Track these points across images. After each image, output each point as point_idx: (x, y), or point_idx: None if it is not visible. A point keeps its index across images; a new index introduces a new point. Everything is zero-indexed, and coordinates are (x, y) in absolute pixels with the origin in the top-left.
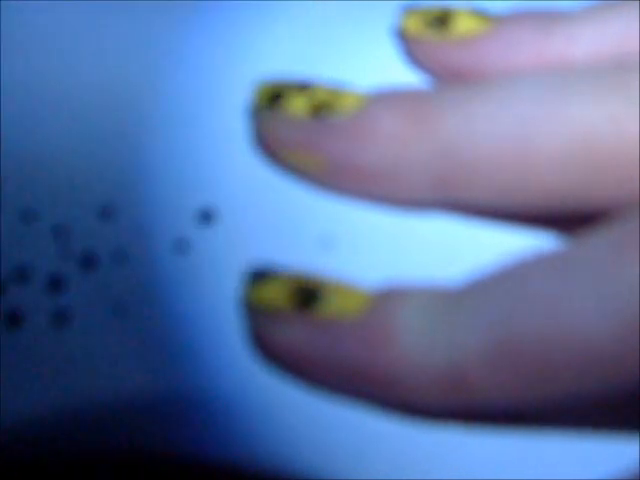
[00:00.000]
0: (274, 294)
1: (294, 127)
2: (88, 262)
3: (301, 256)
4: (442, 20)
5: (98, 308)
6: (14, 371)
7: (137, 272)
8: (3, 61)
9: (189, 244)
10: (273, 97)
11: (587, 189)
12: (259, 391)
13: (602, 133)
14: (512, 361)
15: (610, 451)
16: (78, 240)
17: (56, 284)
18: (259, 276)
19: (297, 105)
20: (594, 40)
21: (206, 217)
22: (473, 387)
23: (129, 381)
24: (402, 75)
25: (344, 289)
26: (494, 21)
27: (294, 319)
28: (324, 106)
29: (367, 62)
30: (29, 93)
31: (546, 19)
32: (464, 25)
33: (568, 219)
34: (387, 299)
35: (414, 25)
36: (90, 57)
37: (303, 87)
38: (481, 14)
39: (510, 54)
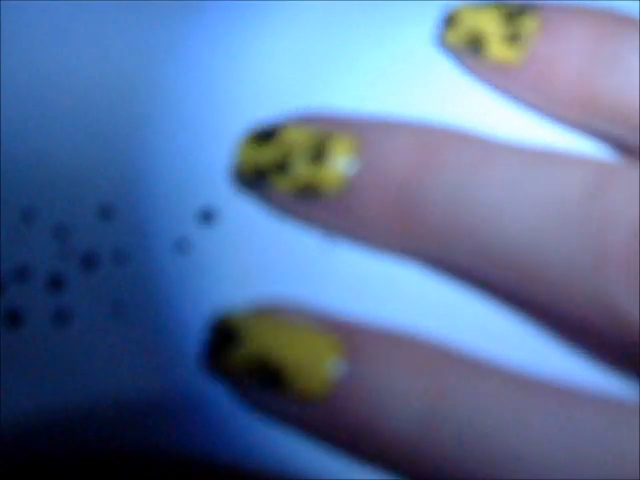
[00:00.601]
0: (236, 368)
1: (286, 206)
2: (88, 261)
3: (302, 255)
4: (477, 44)
5: (99, 307)
6: (14, 371)
7: (138, 271)
8: (3, 61)
9: (190, 244)
10: (257, 173)
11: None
12: None
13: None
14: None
15: None
16: (78, 239)
17: (56, 283)
18: (221, 340)
19: (281, 186)
20: (633, 74)
21: (207, 217)
22: None
23: (129, 381)
24: (402, 75)
25: (306, 368)
26: (531, 46)
27: (260, 392)
28: (308, 188)
29: (367, 62)
30: (29, 93)
31: (590, 45)
32: (497, 52)
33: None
34: (357, 365)
35: (454, 41)
36: (89, 57)
37: (283, 164)
38: (515, 42)
39: (542, 86)
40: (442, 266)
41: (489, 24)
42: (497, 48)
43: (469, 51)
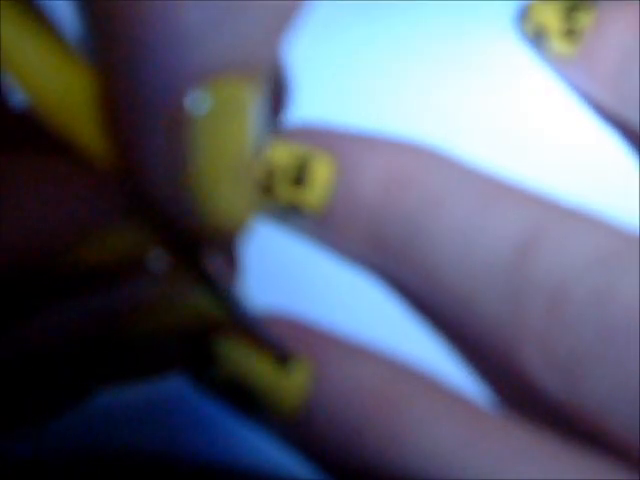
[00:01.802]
0: (215, 387)
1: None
2: None
3: (302, 254)
4: (541, 37)
5: None
6: None
7: None
8: None
9: None
10: None
11: None
12: None
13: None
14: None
15: None
16: None
17: None
18: (198, 364)
19: (266, 206)
20: None
21: None
22: None
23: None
24: (402, 74)
25: (278, 388)
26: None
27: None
28: (290, 209)
29: (368, 61)
30: None
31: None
32: (557, 46)
33: None
34: (324, 392)
35: (527, 32)
36: None
37: (266, 188)
38: (572, 34)
39: (592, 76)
40: (400, 288)
41: (551, 19)
42: (556, 43)
43: (535, 43)
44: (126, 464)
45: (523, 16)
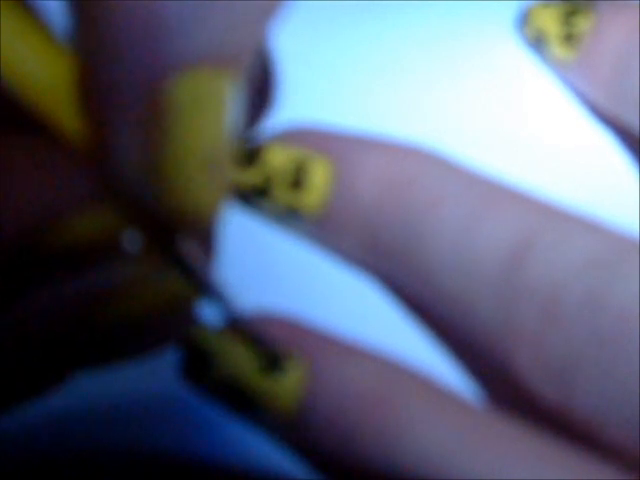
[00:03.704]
0: (208, 390)
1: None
2: None
3: (299, 255)
4: (541, 42)
5: None
6: None
7: None
8: None
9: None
10: (240, 196)
11: None
12: None
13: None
14: None
15: None
16: None
17: None
18: (191, 367)
19: (264, 209)
20: None
21: None
22: None
23: (130, 380)
24: (400, 75)
25: (271, 388)
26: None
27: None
28: (289, 211)
29: (366, 62)
30: None
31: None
32: (556, 52)
33: None
34: (315, 397)
35: (528, 36)
36: None
37: (264, 191)
38: (571, 39)
39: (590, 80)
40: (396, 290)
41: (550, 24)
42: (556, 47)
43: (535, 47)
44: (126, 464)
45: (523, 20)
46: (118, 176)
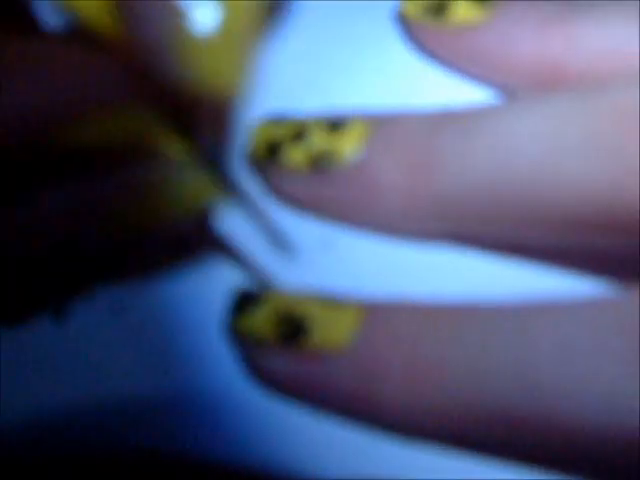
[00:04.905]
0: (259, 324)
1: (298, 184)
2: None
3: (302, 254)
4: (441, 7)
5: (98, 307)
6: (14, 370)
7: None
8: None
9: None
10: (270, 148)
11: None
12: (261, 391)
13: (604, 199)
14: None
15: None
16: None
17: None
18: (244, 303)
19: (295, 157)
20: (592, 45)
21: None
22: None
23: (130, 380)
24: (403, 73)
25: (329, 318)
26: (495, 9)
27: (281, 351)
28: (322, 157)
29: (369, 61)
30: None
31: (549, 14)
32: (462, 13)
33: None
34: (371, 326)
35: (413, 10)
36: None
37: (299, 134)
38: (481, 2)
39: (508, 48)
40: (454, 237)
41: None
42: (463, 8)
43: (430, 16)
44: (125, 465)
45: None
46: (142, 61)
